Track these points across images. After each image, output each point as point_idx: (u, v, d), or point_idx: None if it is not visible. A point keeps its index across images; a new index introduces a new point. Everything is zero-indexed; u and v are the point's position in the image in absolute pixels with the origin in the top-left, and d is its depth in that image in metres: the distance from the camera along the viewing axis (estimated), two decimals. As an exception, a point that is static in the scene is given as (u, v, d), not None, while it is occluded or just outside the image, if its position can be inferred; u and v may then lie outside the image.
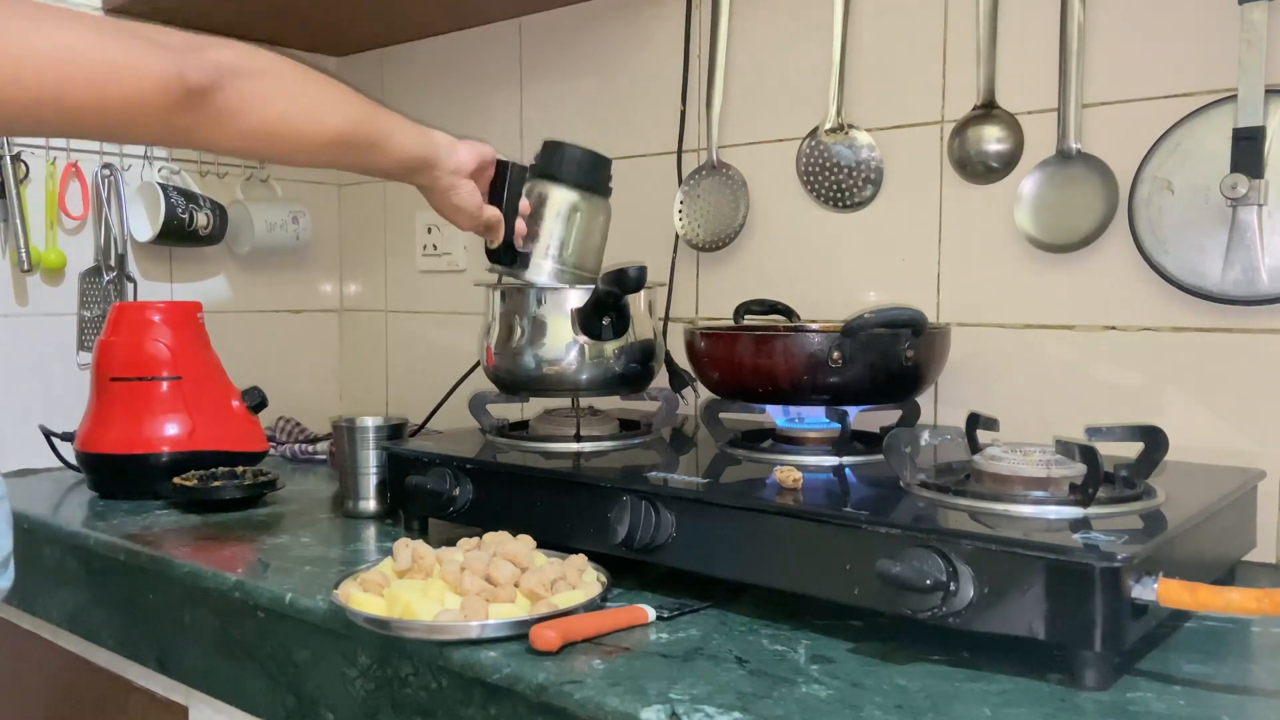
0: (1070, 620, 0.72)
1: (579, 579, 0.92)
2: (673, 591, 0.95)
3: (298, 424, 1.77)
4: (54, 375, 1.63)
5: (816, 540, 0.84)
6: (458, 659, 0.82)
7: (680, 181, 1.48)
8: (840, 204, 1.35)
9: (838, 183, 1.35)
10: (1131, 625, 0.73)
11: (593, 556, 0.96)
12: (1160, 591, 0.72)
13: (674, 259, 1.51)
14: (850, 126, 1.34)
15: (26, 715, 1.41)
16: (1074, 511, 0.83)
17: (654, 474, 1.00)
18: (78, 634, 1.25)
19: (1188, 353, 1.11)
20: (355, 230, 2.02)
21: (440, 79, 1.84)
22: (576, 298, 1.21)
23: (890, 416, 1.17)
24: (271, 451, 1.66)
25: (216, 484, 1.33)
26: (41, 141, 1.60)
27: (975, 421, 1.00)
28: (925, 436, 0.98)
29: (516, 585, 0.88)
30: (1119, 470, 0.93)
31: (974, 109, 1.24)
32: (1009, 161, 1.22)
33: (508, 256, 1.17)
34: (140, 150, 1.71)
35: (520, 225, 1.15)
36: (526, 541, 0.96)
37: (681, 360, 1.28)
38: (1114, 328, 1.16)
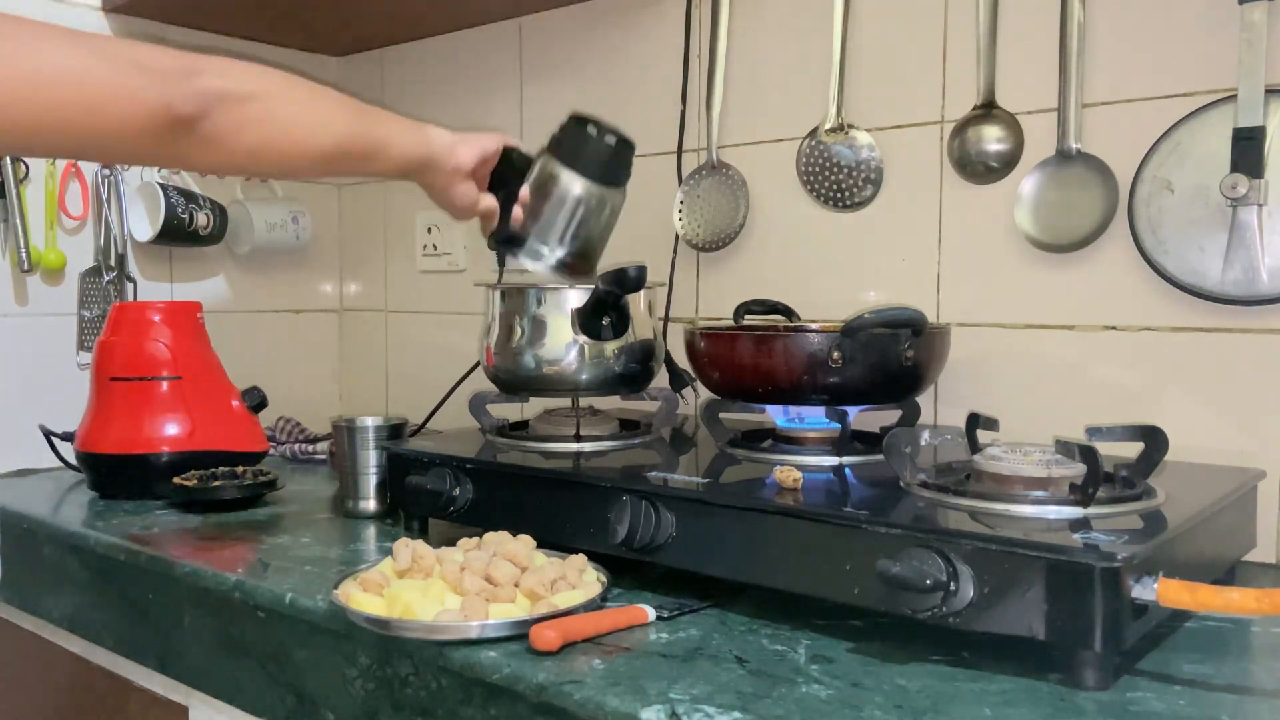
0: (1070, 620, 0.72)
1: (579, 579, 0.92)
2: (673, 591, 0.95)
3: (298, 424, 1.77)
4: (54, 375, 1.63)
5: (816, 540, 0.84)
6: (458, 659, 0.82)
7: (680, 181, 1.48)
8: (840, 204, 1.35)
9: (838, 183, 1.35)
10: (1131, 625, 0.73)
11: (593, 556, 0.96)
12: (1160, 591, 0.72)
13: (674, 259, 1.51)
14: (850, 126, 1.34)
15: (26, 715, 1.41)
16: (1074, 511, 0.83)
17: (654, 474, 1.00)
18: (78, 634, 1.25)
19: (1188, 353, 1.11)
20: (355, 230, 2.02)
21: (440, 79, 1.84)
22: (576, 298, 1.21)
23: (890, 416, 1.17)
24: (271, 451, 1.66)
25: (216, 484, 1.33)
26: (41, 141, 1.60)
27: (975, 421, 1.00)
28: (925, 436, 0.98)
29: (516, 585, 0.88)
30: (1119, 470, 0.93)
31: (974, 109, 1.24)
32: (1009, 161, 1.22)
33: (504, 241, 1.12)
34: (140, 150, 1.71)
35: (518, 211, 1.10)
36: (526, 541, 0.96)
37: (681, 360, 1.28)
38: (1114, 328, 1.16)
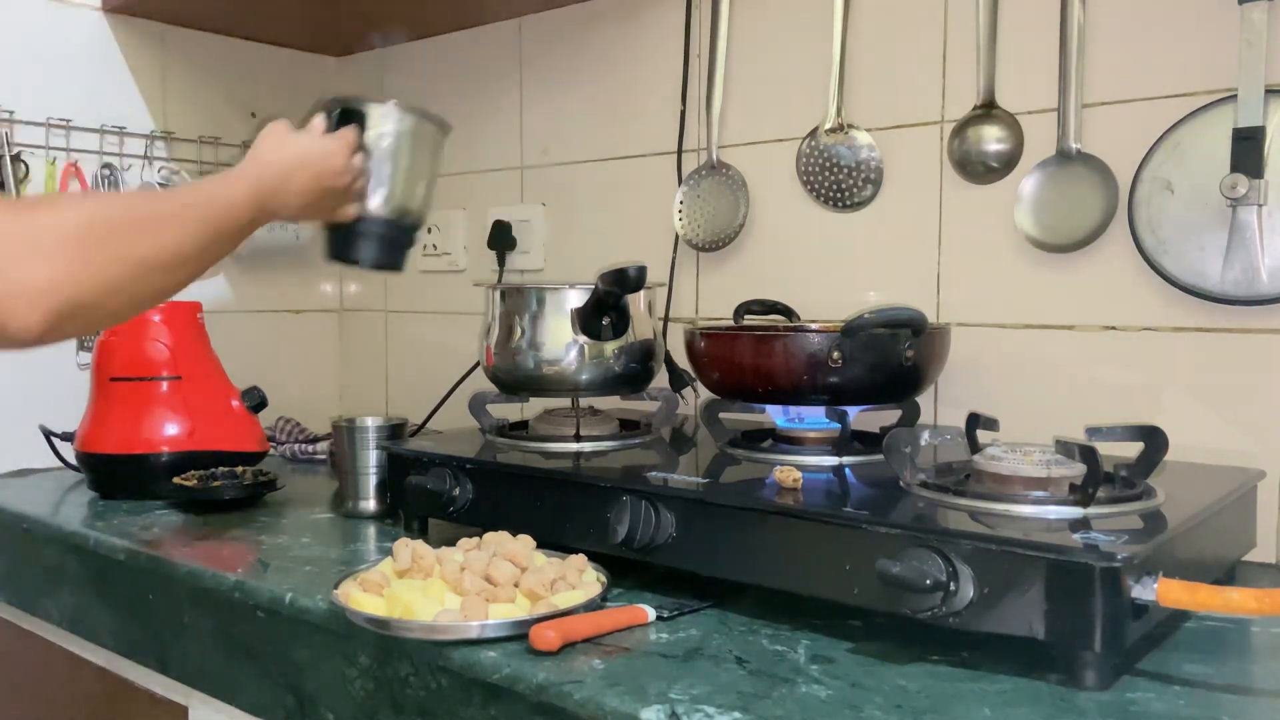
0: (1070, 620, 0.72)
1: (579, 579, 0.92)
2: (673, 591, 0.95)
3: (298, 424, 1.77)
4: (54, 375, 1.63)
5: (816, 540, 0.84)
6: (458, 659, 0.82)
7: (680, 181, 1.48)
8: (840, 204, 1.35)
9: (838, 183, 1.35)
10: (1131, 625, 0.73)
11: (593, 556, 0.96)
12: (1160, 591, 0.72)
13: (674, 259, 1.51)
14: (850, 126, 1.34)
15: (26, 715, 1.41)
16: (1074, 511, 0.83)
17: (654, 474, 1.00)
18: (78, 634, 1.25)
19: (1188, 353, 1.11)
20: (355, 230, 2.01)
21: (440, 79, 1.84)
22: (576, 298, 1.21)
23: (890, 416, 1.17)
24: (271, 451, 1.65)
25: (216, 484, 1.33)
26: (41, 140, 1.60)
27: (975, 421, 1.00)
28: (925, 436, 0.98)
29: (516, 585, 0.88)
30: (1119, 470, 0.93)
31: (974, 109, 1.24)
32: (1009, 161, 1.22)
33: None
34: (140, 150, 1.71)
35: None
36: (526, 541, 0.96)
37: (681, 360, 1.28)
38: (1114, 328, 1.16)
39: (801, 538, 0.85)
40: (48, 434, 1.49)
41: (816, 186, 1.36)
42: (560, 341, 1.21)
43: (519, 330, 1.23)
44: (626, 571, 0.97)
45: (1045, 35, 1.18)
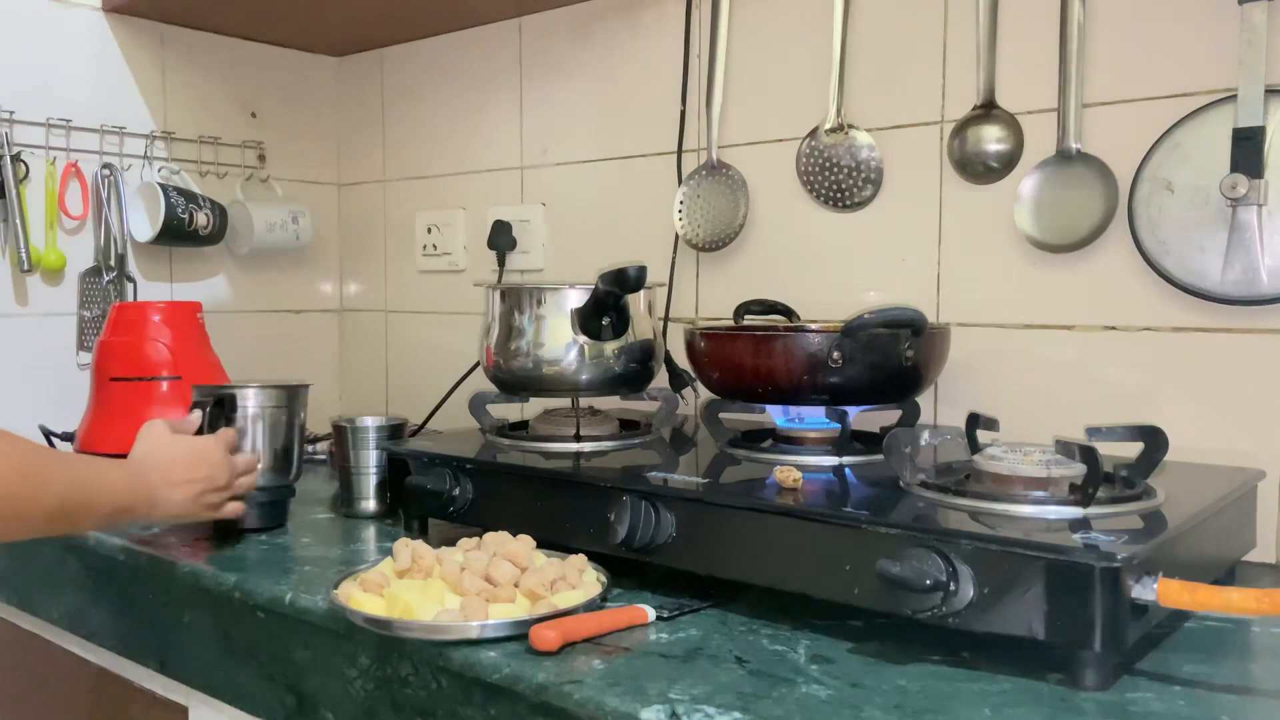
0: (1070, 620, 0.72)
1: (579, 579, 0.92)
2: (673, 591, 0.95)
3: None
4: (54, 375, 1.63)
5: (816, 540, 0.84)
6: (458, 659, 0.82)
7: (680, 181, 1.48)
8: (840, 204, 1.35)
9: (838, 183, 1.35)
10: (1131, 625, 0.73)
11: (593, 556, 0.96)
12: (1160, 591, 0.72)
13: (674, 259, 1.51)
14: (850, 126, 1.34)
15: (26, 716, 1.41)
16: (1074, 511, 0.82)
17: (654, 474, 1.00)
18: (78, 634, 1.25)
19: (1188, 353, 1.11)
20: (355, 230, 2.02)
21: (440, 79, 1.84)
22: (576, 298, 1.21)
23: (890, 416, 1.17)
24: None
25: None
26: (41, 140, 1.60)
27: (975, 421, 1.00)
28: (925, 436, 0.98)
29: (516, 585, 0.88)
30: (1119, 470, 0.93)
31: (974, 109, 1.24)
32: (1009, 161, 1.22)
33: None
34: (140, 150, 1.71)
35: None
36: (526, 541, 0.96)
37: (681, 360, 1.28)
38: (1114, 328, 1.16)
39: (801, 538, 0.85)
40: (47, 434, 1.49)
41: (816, 186, 1.36)
42: (560, 341, 1.21)
43: (519, 330, 1.23)
44: (626, 571, 0.97)
45: (1045, 35, 1.18)
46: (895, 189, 1.31)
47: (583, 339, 1.21)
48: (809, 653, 0.81)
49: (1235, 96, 1.05)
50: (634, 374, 1.24)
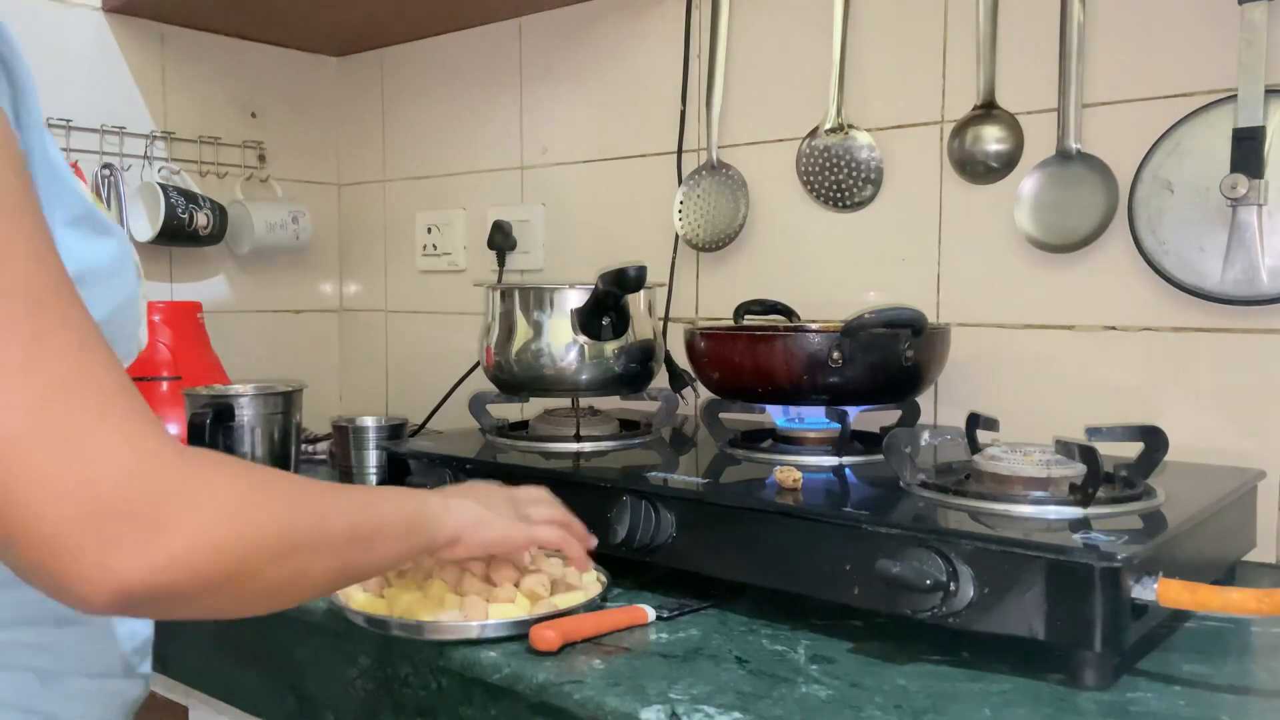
0: (1070, 620, 0.72)
1: (579, 579, 0.92)
2: (673, 591, 0.95)
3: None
4: (54, 375, 1.63)
5: (816, 540, 0.84)
6: (458, 659, 0.82)
7: (680, 181, 1.48)
8: (840, 204, 1.35)
9: (838, 183, 1.35)
10: (1131, 625, 0.73)
11: (593, 556, 0.96)
12: (1160, 591, 0.72)
13: (674, 259, 1.51)
14: (850, 126, 1.34)
15: (26, 715, 1.41)
16: (1074, 511, 0.82)
17: (654, 474, 1.00)
18: (78, 634, 1.25)
19: (1188, 353, 1.11)
20: (355, 230, 2.02)
21: (440, 79, 1.83)
22: (576, 298, 1.21)
23: (890, 416, 1.17)
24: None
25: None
26: (41, 141, 1.60)
27: (975, 421, 1.00)
28: (925, 436, 0.98)
29: (516, 585, 0.88)
30: (1119, 470, 0.93)
31: (974, 109, 1.24)
32: (1009, 161, 1.22)
33: None
34: (140, 150, 1.71)
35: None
36: (526, 541, 0.96)
37: (681, 360, 1.28)
38: (1114, 328, 1.16)
39: (801, 538, 0.85)
40: (48, 434, 1.49)
41: (816, 186, 1.36)
42: (560, 341, 1.21)
43: (519, 330, 1.23)
44: (626, 571, 0.97)
45: (1045, 35, 1.18)
46: (895, 189, 1.31)
47: (583, 339, 1.21)
48: (809, 653, 0.81)
49: (1235, 96, 1.05)
50: (634, 374, 1.24)
